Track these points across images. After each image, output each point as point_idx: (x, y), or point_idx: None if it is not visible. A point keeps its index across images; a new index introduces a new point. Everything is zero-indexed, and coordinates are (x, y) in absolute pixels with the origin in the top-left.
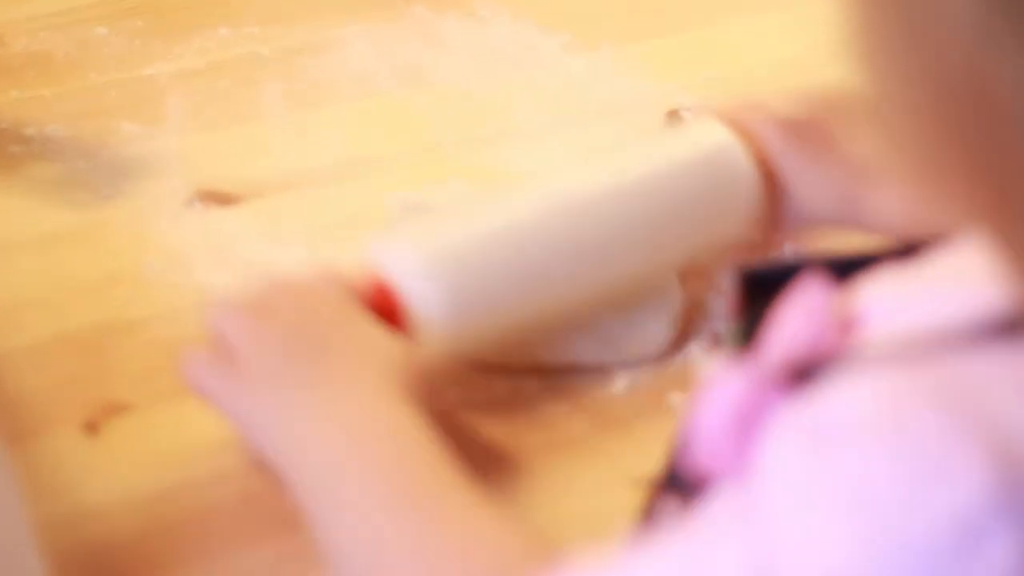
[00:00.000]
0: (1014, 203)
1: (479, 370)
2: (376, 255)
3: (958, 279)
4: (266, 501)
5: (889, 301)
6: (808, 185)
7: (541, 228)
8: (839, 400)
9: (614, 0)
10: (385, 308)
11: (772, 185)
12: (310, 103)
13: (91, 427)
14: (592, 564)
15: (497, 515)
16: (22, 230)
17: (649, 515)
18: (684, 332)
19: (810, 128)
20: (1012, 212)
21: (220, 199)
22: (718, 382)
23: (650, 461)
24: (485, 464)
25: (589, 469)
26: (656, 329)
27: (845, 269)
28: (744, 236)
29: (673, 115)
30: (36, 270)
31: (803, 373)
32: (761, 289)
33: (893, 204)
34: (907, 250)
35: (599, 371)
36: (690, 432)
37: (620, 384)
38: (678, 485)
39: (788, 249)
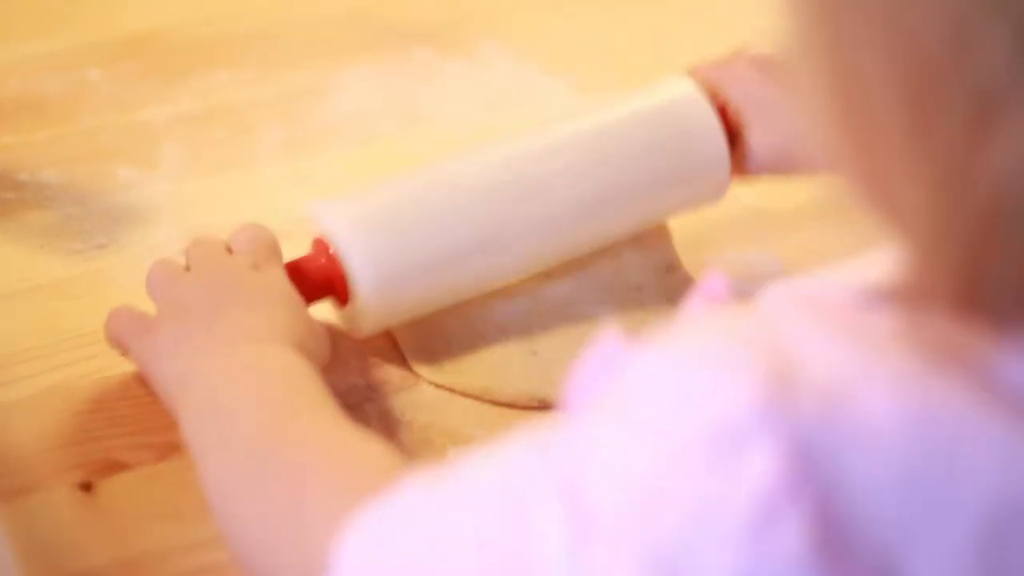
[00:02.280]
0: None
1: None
2: (310, 212)
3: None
4: None
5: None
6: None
7: (480, 177)
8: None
9: (618, 40)
10: (324, 268)
11: (733, 134)
12: (309, 148)
13: (86, 487)
14: (420, 480)
15: (363, 438)
16: (14, 279)
17: None
18: None
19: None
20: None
21: None
22: (601, 337)
23: None
24: None
25: None
26: None
27: None
28: (714, 194)
29: None
30: (28, 321)
31: None
32: None
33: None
34: None
35: None
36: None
37: None
38: None
39: None
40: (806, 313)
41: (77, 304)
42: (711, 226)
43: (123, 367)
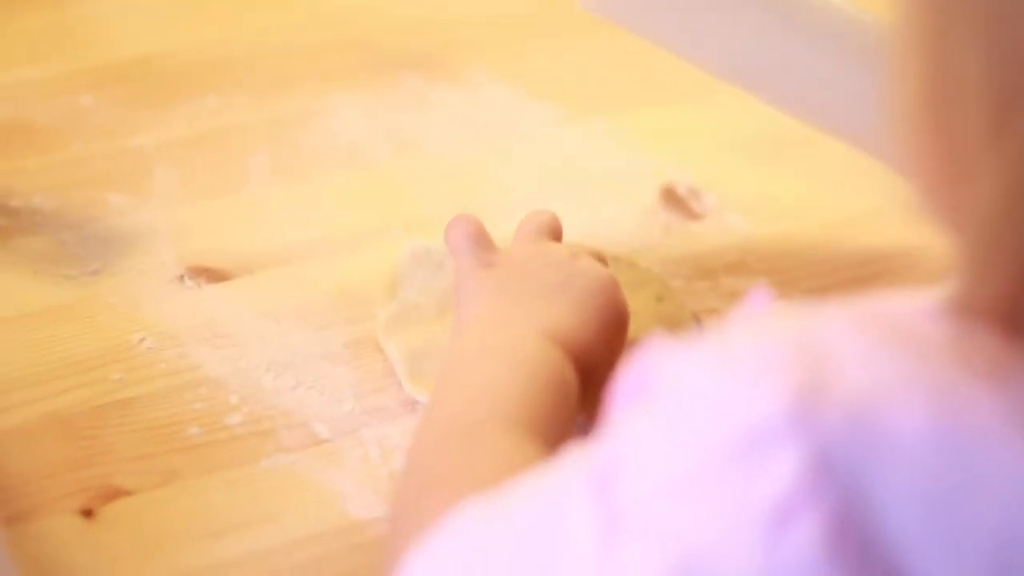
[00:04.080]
0: None
1: None
2: None
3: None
4: None
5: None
6: None
7: None
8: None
9: (608, 69)
10: None
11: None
12: (300, 174)
13: (87, 513)
14: (477, 503)
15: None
16: (7, 305)
17: None
18: None
19: None
20: None
21: (211, 275)
22: (645, 346)
23: None
24: None
25: None
26: None
27: None
28: None
29: (669, 191)
30: (23, 347)
31: None
32: None
33: None
34: None
35: None
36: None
37: None
38: None
39: None
40: (851, 319)
41: (72, 330)
42: (702, 254)
43: (121, 393)
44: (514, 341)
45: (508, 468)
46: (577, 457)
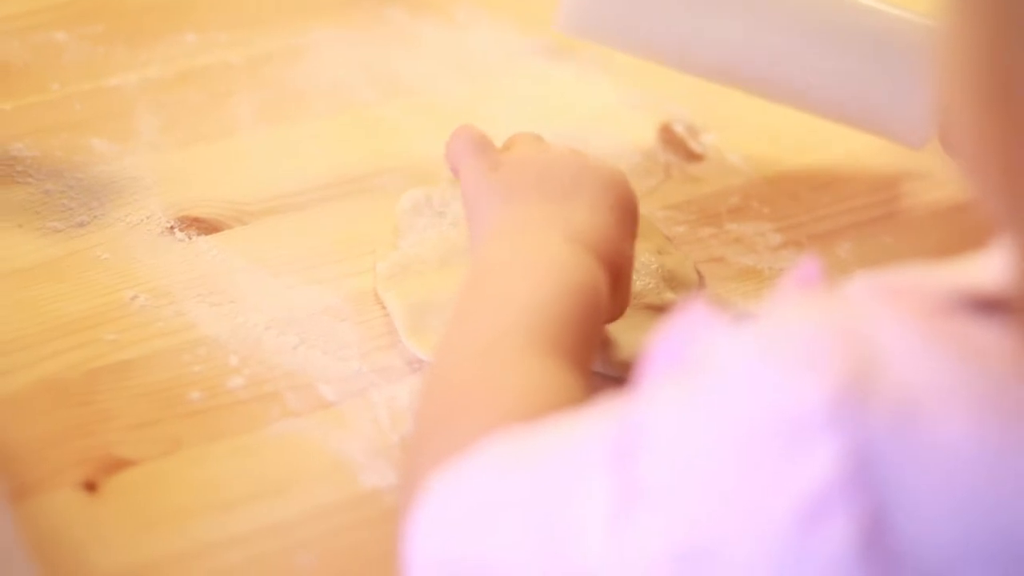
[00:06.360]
0: None
1: None
2: None
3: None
4: (278, 565)
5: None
6: None
7: None
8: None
9: None
10: None
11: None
12: (286, 116)
13: (90, 486)
14: (500, 441)
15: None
16: None
17: None
18: None
19: None
20: None
21: (203, 226)
22: (687, 308)
23: None
24: None
25: None
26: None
27: None
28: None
29: (667, 130)
30: (10, 308)
31: None
32: None
33: None
34: None
35: None
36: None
37: None
38: None
39: None
40: (900, 313)
41: (61, 288)
42: (704, 197)
43: (117, 356)
44: (540, 247)
45: (535, 393)
46: (606, 415)
